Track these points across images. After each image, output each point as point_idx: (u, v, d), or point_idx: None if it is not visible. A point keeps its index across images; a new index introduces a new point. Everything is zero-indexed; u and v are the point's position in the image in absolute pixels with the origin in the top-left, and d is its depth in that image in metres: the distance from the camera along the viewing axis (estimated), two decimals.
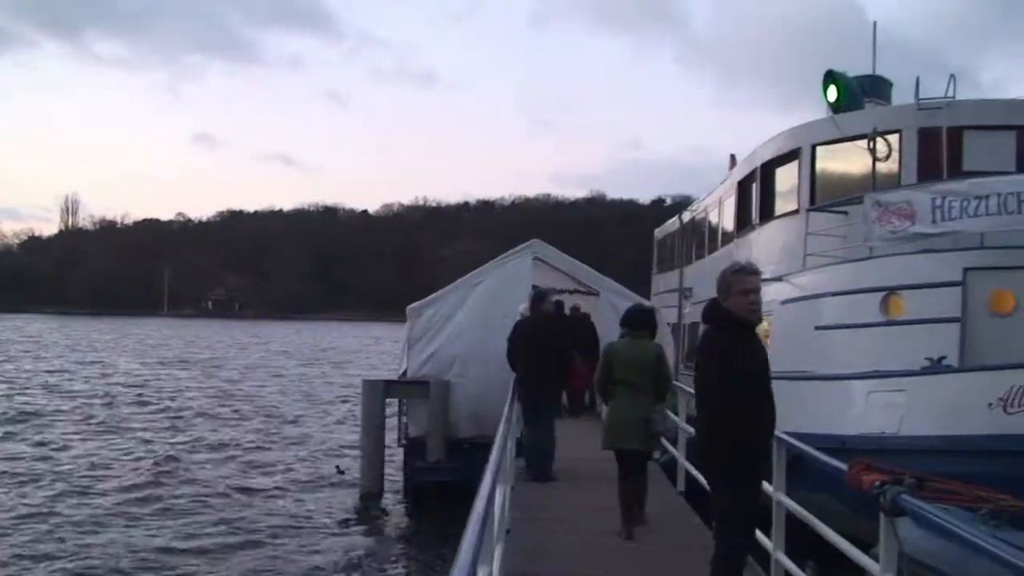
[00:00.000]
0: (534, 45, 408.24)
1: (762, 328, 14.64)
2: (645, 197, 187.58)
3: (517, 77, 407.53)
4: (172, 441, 24.08)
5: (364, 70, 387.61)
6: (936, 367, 11.19)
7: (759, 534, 7.14)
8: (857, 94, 16.05)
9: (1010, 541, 4.40)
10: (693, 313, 21.52)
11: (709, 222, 22.65)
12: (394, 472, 18.08)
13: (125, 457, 21.54)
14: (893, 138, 14.34)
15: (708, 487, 6.48)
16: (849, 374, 12.15)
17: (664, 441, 13.24)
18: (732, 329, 6.06)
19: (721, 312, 6.11)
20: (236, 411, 31.54)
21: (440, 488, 15.76)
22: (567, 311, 18.55)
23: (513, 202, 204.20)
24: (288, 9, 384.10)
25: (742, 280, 6.09)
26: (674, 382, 12.58)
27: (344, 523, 15.81)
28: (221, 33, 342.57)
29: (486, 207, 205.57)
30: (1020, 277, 11.81)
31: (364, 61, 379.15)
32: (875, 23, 18.41)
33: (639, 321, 9.67)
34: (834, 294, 13.29)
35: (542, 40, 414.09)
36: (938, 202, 12.22)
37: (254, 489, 18.31)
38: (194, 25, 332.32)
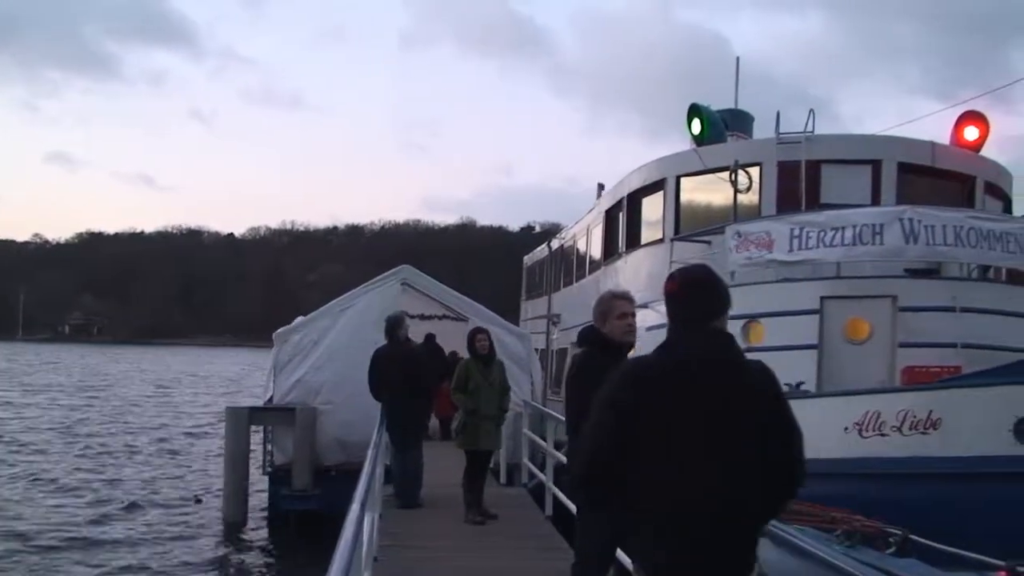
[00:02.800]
0: (405, 68, 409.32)
1: (629, 354, 14.90)
2: (515, 224, 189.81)
3: (388, 100, 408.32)
4: (15, 474, 23.05)
5: (229, 89, 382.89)
6: (794, 392, 11.51)
7: (623, 557, 7.23)
8: (720, 128, 16.51)
9: (863, 560, 4.57)
10: (561, 339, 21.74)
11: (577, 250, 22.95)
12: (259, 501, 17.71)
13: None
14: (754, 170, 14.79)
15: (577, 512, 6.58)
16: None
17: (531, 467, 13.41)
18: (611, 353, 6.23)
19: (600, 336, 6.29)
20: (91, 440, 30.39)
21: (306, 516, 15.51)
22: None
23: (383, 227, 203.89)
24: (150, 24, 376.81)
25: (620, 305, 6.33)
26: (543, 408, 12.88)
27: (206, 554, 15.39)
28: (81, 48, 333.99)
29: (355, 232, 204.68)
30: (874, 306, 12.27)
31: (229, 80, 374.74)
32: (738, 59, 19.00)
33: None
34: None
35: (413, 63, 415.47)
36: (796, 232, 12.63)
37: (111, 521, 17.70)
38: (54, 40, 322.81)
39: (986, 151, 15.64)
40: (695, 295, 4.00)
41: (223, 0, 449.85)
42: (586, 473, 4.01)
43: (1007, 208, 15.84)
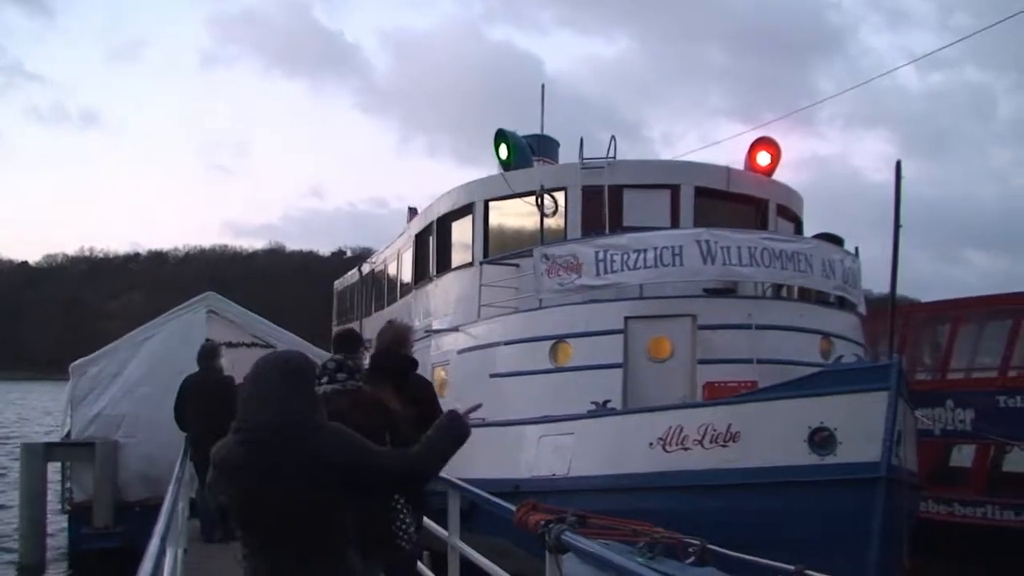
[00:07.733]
0: (208, 86, 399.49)
1: (439, 376, 14.98)
2: (325, 248, 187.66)
3: (190, 119, 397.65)
4: None
5: (16, 108, 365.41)
6: (601, 411, 11.78)
7: None
8: (526, 153, 16.80)
9: (665, 571, 4.74)
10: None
11: (388, 274, 22.90)
12: (58, 541, 16.93)
13: None
14: (559, 195, 15.09)
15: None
16: (522, 419, 12.56)
17: None
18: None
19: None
20: None
21: (108, 555, 14.93)
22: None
23: (188, 253, 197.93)
24: None
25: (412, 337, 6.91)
26: None
27: None
28: None
29: (158, 258, 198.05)
30: (675, 325, 12.69)
31: (16, 98, 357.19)
32: (543, 86, 19.40)
33: None
34: (507, 343, 13.76)
35: (215, 82, 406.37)
36: (601, 255, 12.97)
37: None
38: None
39: (783, 172, 16.38)
40: (340, 343, 6.56)
41: (7, 11, 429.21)
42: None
43: (798, 229, 16.63)
